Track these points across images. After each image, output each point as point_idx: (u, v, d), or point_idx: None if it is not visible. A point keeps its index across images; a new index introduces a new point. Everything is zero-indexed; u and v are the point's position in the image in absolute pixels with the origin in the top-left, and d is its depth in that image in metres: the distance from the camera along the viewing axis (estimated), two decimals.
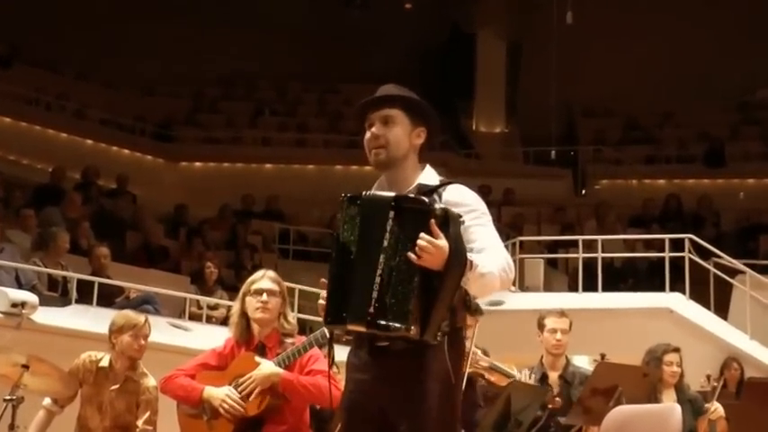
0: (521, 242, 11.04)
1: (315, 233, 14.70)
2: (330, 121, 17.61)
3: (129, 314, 5.24)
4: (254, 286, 4.36)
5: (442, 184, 2.98)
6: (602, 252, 10.44)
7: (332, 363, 3.00)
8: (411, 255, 2.66)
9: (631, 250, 12.38)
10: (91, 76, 17.34)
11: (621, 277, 12.15)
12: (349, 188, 2.96)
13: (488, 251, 2.86)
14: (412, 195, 2.85)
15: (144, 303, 8.55)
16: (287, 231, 14.33)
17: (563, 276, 12.54)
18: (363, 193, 2.88)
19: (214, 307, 9.82)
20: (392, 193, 2.84)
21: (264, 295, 4.32)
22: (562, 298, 9.94)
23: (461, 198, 2.94)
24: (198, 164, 16.96)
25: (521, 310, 9.11)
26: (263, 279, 4.39)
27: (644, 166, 16.49)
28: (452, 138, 16.56)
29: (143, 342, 5.09)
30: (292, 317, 4.50)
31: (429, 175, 3.03)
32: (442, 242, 2.68)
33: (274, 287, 4.37)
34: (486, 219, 2.95)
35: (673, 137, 17.30)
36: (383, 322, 2.70)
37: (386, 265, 2.73)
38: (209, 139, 17.09)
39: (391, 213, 2.75)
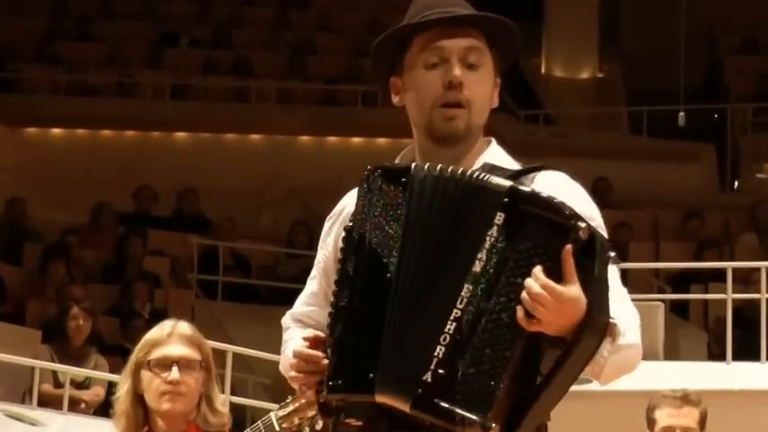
0: (624, 272, 11.03)
1: (261, 255, 14.74)
2: (291, 58, 17.69)
3: None
4: (157, 353, 4.35)
5: (530, 170, 2.95)
6: None
7: None
8: (519, 312, 2.61)
9: None
10: None
11: None
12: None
13: (616, 303, 2.79)
14: (539, 192, 2.75)
15: None
16: (214, 250, 14.34)
17: (699, 332, 12.58)
18: (413, 165, 2.84)
19: (84, 384, 9.83)
20: (505, 181, 2.77)
21: (174, 369, 4.32)
22: (696, 371, 9.94)
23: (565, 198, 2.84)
24: (56, 130, 17.03)
25: (621, 393, 9.08)
26: (172, 340, 4.38)
27: None
28: (507, 89, 16.60)
29: None
30: (222, 401, 4.51)
31: (498, 156, 3.04)
32: (574, 292, 2.63)
33: (191, 353, 4.37)
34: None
35: None
36: (444, 404, 2.66)
37: (470, 304, 2.68)
38: (77, 86, 17.13)
39: (499, 216, 2.70)
